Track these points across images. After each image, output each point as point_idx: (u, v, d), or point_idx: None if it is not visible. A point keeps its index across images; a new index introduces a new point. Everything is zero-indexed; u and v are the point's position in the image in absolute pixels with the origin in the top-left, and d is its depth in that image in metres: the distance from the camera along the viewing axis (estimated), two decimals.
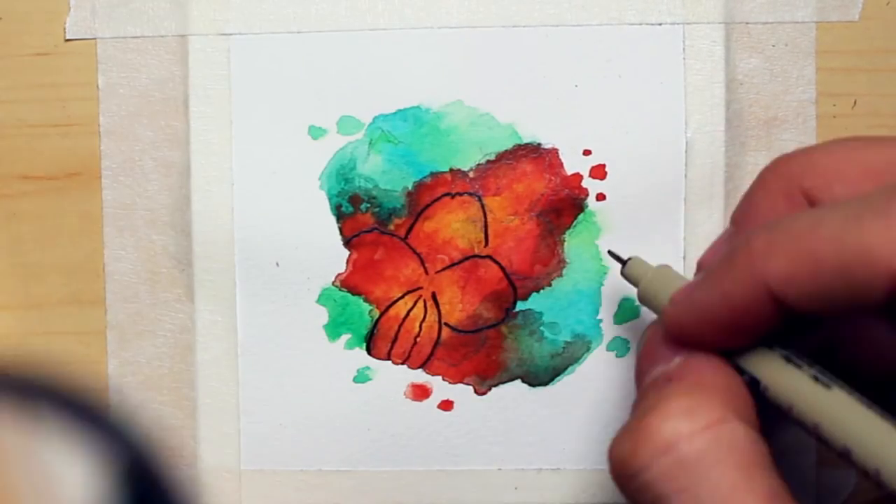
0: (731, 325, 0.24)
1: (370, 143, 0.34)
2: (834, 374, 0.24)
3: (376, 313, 0.34)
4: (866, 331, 0.26)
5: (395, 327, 0.34)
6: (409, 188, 0.34)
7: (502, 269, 0.34)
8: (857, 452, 0.23)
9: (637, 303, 0.31)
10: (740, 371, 0.25)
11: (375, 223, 0.34)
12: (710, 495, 0.22)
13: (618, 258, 0.31)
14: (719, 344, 0.25)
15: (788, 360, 0.25)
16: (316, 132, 0.34)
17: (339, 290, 0.34)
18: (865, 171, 0.24)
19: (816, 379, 0.24)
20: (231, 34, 0.34)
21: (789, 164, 0.26)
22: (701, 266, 0.28)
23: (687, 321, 0.25)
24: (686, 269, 0.34)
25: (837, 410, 0.24)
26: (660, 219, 0.34)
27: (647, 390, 0.26)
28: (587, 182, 0.34)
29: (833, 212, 0.22)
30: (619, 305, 0.34)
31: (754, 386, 0.25)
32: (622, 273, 0.30)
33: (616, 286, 0.34)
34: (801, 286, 0.22)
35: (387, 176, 0.34)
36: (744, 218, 0.26)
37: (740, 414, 0.24)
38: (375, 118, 0.34)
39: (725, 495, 0.22)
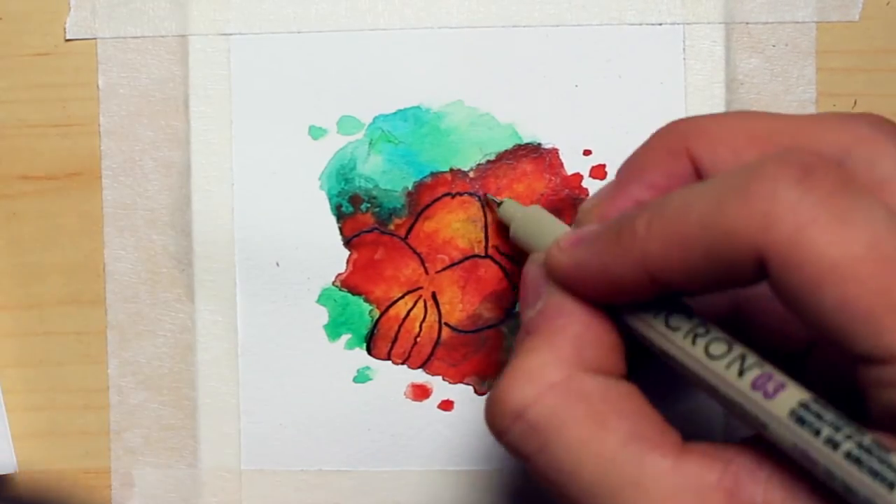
0: (610, 291, 0.25)
1: (370, 143, 0.34)
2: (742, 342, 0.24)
3: (376, 313, 0.34)
4: (760, 301, 0.27)
5: (396, 327, 0.34)
6: (410, 188, 0.34)
7: (502, 269, 0.34)
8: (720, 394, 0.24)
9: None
10: (616, 315, 0.26)
11: (375, 223, 0.34)
12: (564, 451, 0.24)
13: (493, 201, 0.33)
14: (597, 300, 0.25)
15: (662, 316, 0.25)
16: (316, 132, 0.34)
17: (340, 290, 0.34)
18: (749, 138, 0.25)
19: (690, 331, 0.25)
20: (231, 34, 0.34)
21: (677, 125, 0.26)
22: (581, 213, 0.28)
23: (568, 272, 0.25)
24: None
25: (684, 350, 0.24)
26: None
27: (515, 341, 0.27)
28: (587, 182, 0.34)
29: (701, 192, 0.23)
30: None
31: (628, 331, 0.26)
32: (497, 213, 0.33)
33: None
34: (675, 269, 0.23)
35: (387, 176, 0.34)
36: (626, 171, 0.27)
37: (595, 361, 0.25)
38: (375, 118, 0.34)
39: (579, 449, 0.23)
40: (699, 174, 0.25)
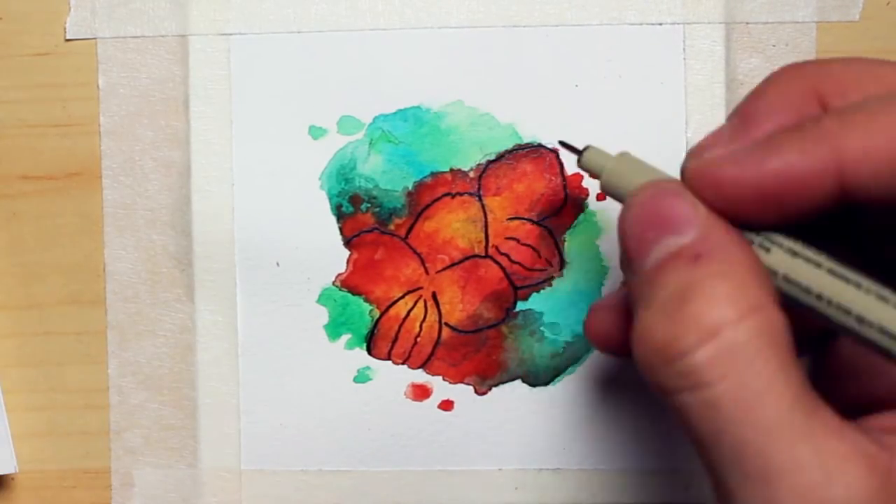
0: (782, 198, 0.23)
1: (370, 143, 0.34)
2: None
3: (376, 313, 0.34)
4: (852, 357, 0.26)
5: (396, 327, 0.34)
6: (410, 188, 0.34)
7: (502, 269, 0.34)
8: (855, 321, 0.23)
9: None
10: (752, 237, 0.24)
11: (376, 223, 0.34)
12: (752, 383, 0.21)
13: (572, 149, 0.29)
14: (753, 216, 0.23)
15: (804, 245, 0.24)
16: (316, 132, 0.34)
17: (340, 290, 0.34)
18: (881, 84, 0.23)
19: (831, 268, 0.23)
20: (231, 34, 0.34)
21: (804, 67, 0.25)
22: (692, 155, 0.25)
23: (725, 183, 0.23)
24: None
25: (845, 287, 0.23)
26: None
27: (665, 268, 0.23)
28: (587, 182, 0.34)
29: None
30: None
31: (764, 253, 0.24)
32: (579, 164, 0.28)
33: (616, 286, 0.34)
34: (877, 165, 0.21)
35: (387, 176, 0.34)
36: (751, 112, 0.24)
37: (774, 295, 0.23)
38: (376, 118, 0.34)
39: (765, 385, 0.21)
40: None
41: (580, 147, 0.28)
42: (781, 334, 0.22)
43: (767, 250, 0.24)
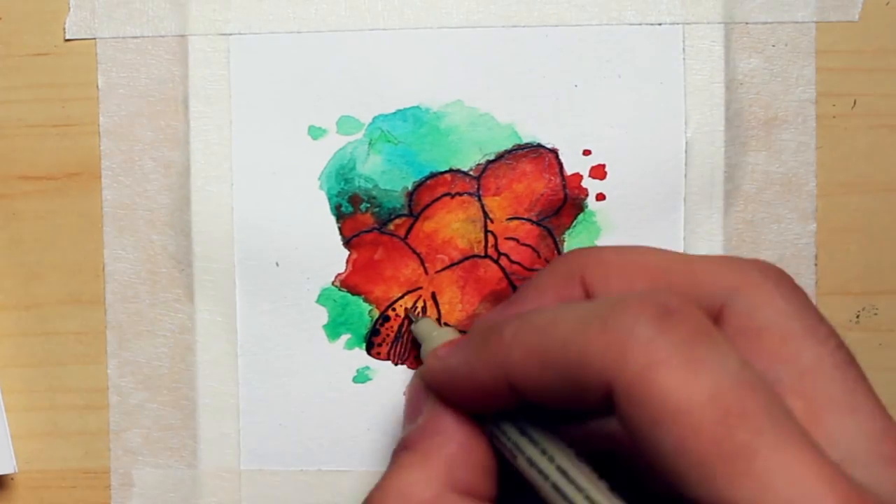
0: (476, 397, 0.25)
1: (370, 143, 0.34)
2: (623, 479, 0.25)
3: (376, 313, 0.34)
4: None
5: (395, 327, 0.34)
6: (409, 188, 0.34)
7: (502, 269, 0.34)
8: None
9: None
10: (483, 423, 0.26)
11: (375, 223, 0.34)
12: None
13: (409, 318, 0.34)
14: (467, 408, 0.26)
15: (519, 426, 0.26)
16: (316, 132, 0.34)
17: (339, 290, 0.34)
18: (642, 271, 0.26)
19: (529, 437, 0.25)
20: (231, 34, 0.34)
21: (578, 253, 0.28)
22: (474, 324, 0.29)
23: (441, 379, 0.26)
24: None
25: (566, 468, 0.25)
26: (659, 219, 0.34)
27: (392, 454, 0.27)
28: (587, 182, 0.34)
29: (568, 312, 0.23)
30: None
31: (493, 440, 0.26)
32: (412, 330, 0.33)
33: None
34: (531, 380, 0.24)
35: (387, 176, 0.34)
36: (523, 292, 0.28)
37: (466, 483, 0.25)
38: (375, 118, 0.34)
39: None
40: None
41: (415, 318, 0.33)
42: None
43: (501, 434, 0.26)
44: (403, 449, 0.26)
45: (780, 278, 0.25)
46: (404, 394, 0.28)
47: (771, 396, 0.21)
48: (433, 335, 0.31)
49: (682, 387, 0.21)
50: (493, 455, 0.26)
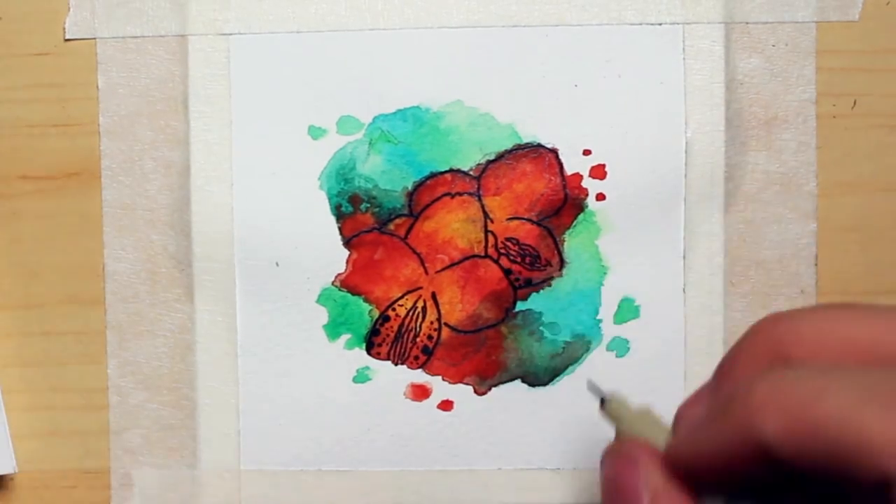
0: (724, 470, 0.24)
1: (370, 143, 0.34)
2: None
3: (376, 313, 0.34)
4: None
5: (395, 327, 0.34)
6: (409, 188, 0.34)
7: (502, 269, 0.34)
8: None
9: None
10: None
11: (375, 223, 0.34)
12: None
13: (597, 392, 0.29)
14: (715, 481, 0.25)
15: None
16: (316, 132, 0.34)
17: (339, 290, 0.34)
18: (849, 348, 0.24)
19: None
20: (231, 34, 0.34)
21: (775, 327, 0.26)
22: (680, 415, 0.27)
23: (687, 461, 0.25)
24: (686, 269, 0.34)
25: None
26: (660, 218, 0.34)
27: None
28: (587, 182, 0.34)
29: (838, 385, 0.22)
30: (619, 305, 0.34)
31: None
32: (601, 410, 0.29)
33: (616, 286, 0.34)
34: (797, 449, 0.22)
35: (387, 176, 0.34)
36: (726, 374, 0.27)
37: None
38: (375, 118, 0.34)
39: None
40: None
41: (606, 396, 0.29)
42: None
43: None
44: None
45: None
46: (613, 479, 0.26)
47: None
48: (635, 421, 0.28)
49: None
50: None
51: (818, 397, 0.22)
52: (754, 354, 0.26)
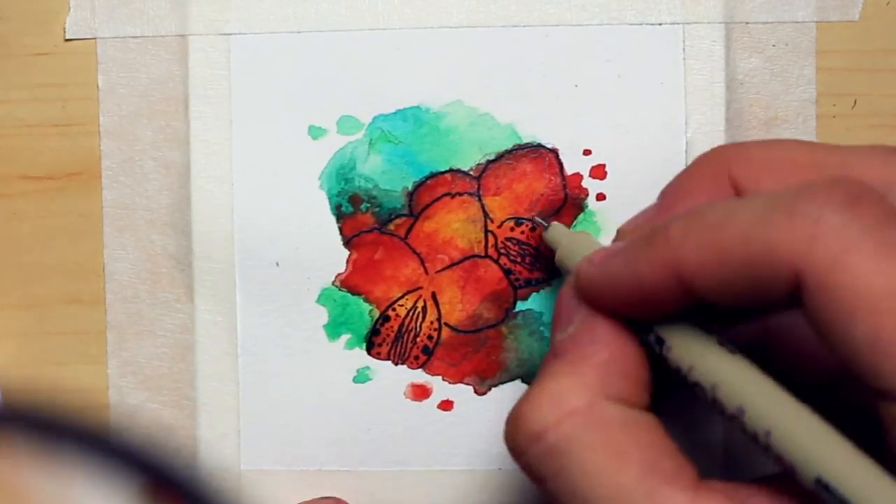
0: (640, 301, 0.24)
1: (370, 143, 0.34)
2: (770, 372, 0.24)
3: (376, 313, 0.34)
4: (793, 329, 0.27)
5: (395, 327, 0.34)
6: (409, 188, 0.34)
7: (502, 269, 0.34)
8: (750, 415, 0.23)
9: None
10: (646, 330, 0.25)
11: (375, 223, 0.34)
12: (580, 477, 0.23)
13: (540, 223, 0.32)
14: (626, 314, 0.25)
15: (696, 325, 0.25)
16: (316, 132, 0.34)
17: (339, 290, 0.34)
18: (794, 167, 0.25)
19: (721, 344, 0.24)
20: (231, 34, 0.34)
21: (722, 151, 0.26)
22: (619, 233, 0.28)
23: (599, 285, 0.25)
24: None
25: (736, 373, 0.24)
26: None
27: (541, 363, 0.26)
28: (587, 182, 0.34)
29: (745, 206, 0.23)
30: None
31: (657, 347, 0.25)
32: (543, 237, 0.31)
33: None
34: (709, 277, 0.23)
35: (387, 176, 0.34)
36: (670, 195, 0.27)
37: (619, 391, 0.25)
38: (375, 118, 0.34)
39: (595, 477, 0.23)
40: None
41: (546, 223, 0.32)
42: (616, 424, 0.24)
43: (661, 344, 0.25)
44: (554, 357, 0.26)
45: None
46: (557, 301, 0.27)
47: None
48: (572, 242, 0.30)
49: (878, 272, 0.20)
50: (647, 363, 0.25)
51: (727, 220, 0.22)
52: (699, 174, 0.26)
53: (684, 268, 0.23)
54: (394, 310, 0.34)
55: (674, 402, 0.26)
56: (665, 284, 0.23)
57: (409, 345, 0.34)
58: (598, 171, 0.34)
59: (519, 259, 0.34)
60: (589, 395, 0.24)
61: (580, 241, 0.30)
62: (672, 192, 0.27)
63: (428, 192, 0.34)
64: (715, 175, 0.26)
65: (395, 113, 0.34)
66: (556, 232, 0.31)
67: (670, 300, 0.24)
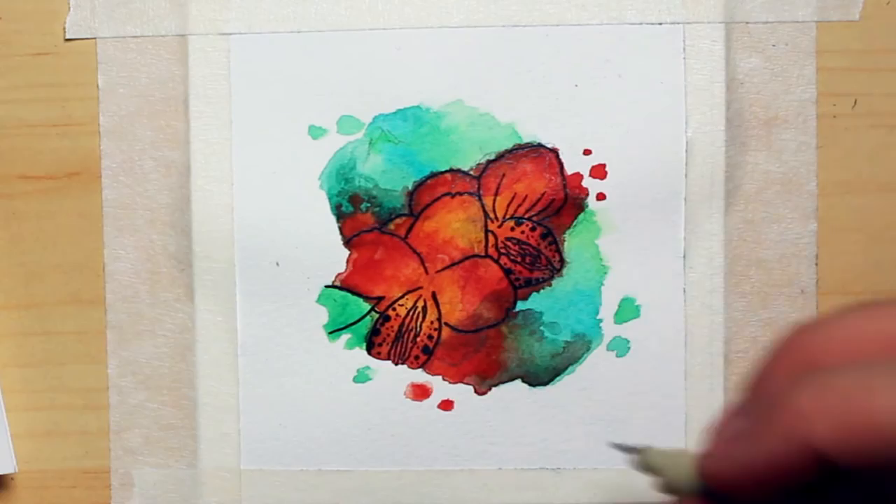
0: (772, 481, 0.24)
1: (370, 143, 0.34)
2: None
3: (376, 313, 0.34)
4: None
5: (396, 327, 0.34)
6: (409, 188, 0.34)
7: (502, 268, 0.34)
8: None
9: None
10: None
11: (375, 223, 0.34)
12: None
13: (626, 449, 0.27)
14: (758, 497, 0.25)
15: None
16: (316, 132, 0.34)
17: (340, 289, 0.34)
18: (881, 344, 0.24)
19: None
20: (231, 34, 0.34)
21: (803, 336, 0.25)
22: (714, 435, 0.26)
23: (728, 475, 0.25)
24: (686, 269, 0.34)
25: None
26: (660, 218, 0.34)
27: None
28: (587, 182, 0.34)
29: (885, 381, 0.22)
30: (619, 305, 0.34)
31: None
32: (636, 465, 0.26)
33: (616, 286, 0.34)
34: (852, 450, 0.22)
35: (387, 176, 0.34)
36: (761, 388, 0.26)
37: None
38: (375, 118, 0.34)
39: None
40: None
41: (639, 447, 0.27)
42: None
43: None
44: None
45: None
46: None
47: None
48: (675, 462, 0.27)
49: None
50: None
51: (867, 395, 0.22)
52: (787, 365, 0.25)
53: (822, 440, 0.22)
54: (394, 309, 0.34)
55: None
56: (798, 459, 0.23)
57: (410, 345, 0.34)
58: (599, 171, 0.34)
59: (519, 259, 0.34)
60: None
61: (680, 458, 0.27)
62: (761, 385, 0.26)
63: (428, 192, 0.34)
64: (801, 364, 0.25)
65: (395, 113, 0.34)
66: (654, 455, 0.27)
67: (803, 475, 0.23)
